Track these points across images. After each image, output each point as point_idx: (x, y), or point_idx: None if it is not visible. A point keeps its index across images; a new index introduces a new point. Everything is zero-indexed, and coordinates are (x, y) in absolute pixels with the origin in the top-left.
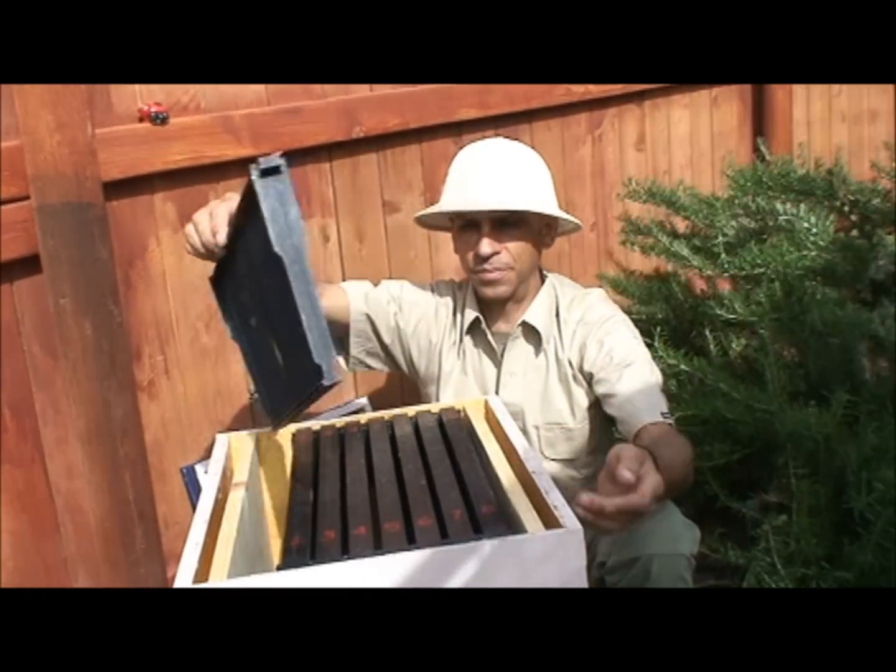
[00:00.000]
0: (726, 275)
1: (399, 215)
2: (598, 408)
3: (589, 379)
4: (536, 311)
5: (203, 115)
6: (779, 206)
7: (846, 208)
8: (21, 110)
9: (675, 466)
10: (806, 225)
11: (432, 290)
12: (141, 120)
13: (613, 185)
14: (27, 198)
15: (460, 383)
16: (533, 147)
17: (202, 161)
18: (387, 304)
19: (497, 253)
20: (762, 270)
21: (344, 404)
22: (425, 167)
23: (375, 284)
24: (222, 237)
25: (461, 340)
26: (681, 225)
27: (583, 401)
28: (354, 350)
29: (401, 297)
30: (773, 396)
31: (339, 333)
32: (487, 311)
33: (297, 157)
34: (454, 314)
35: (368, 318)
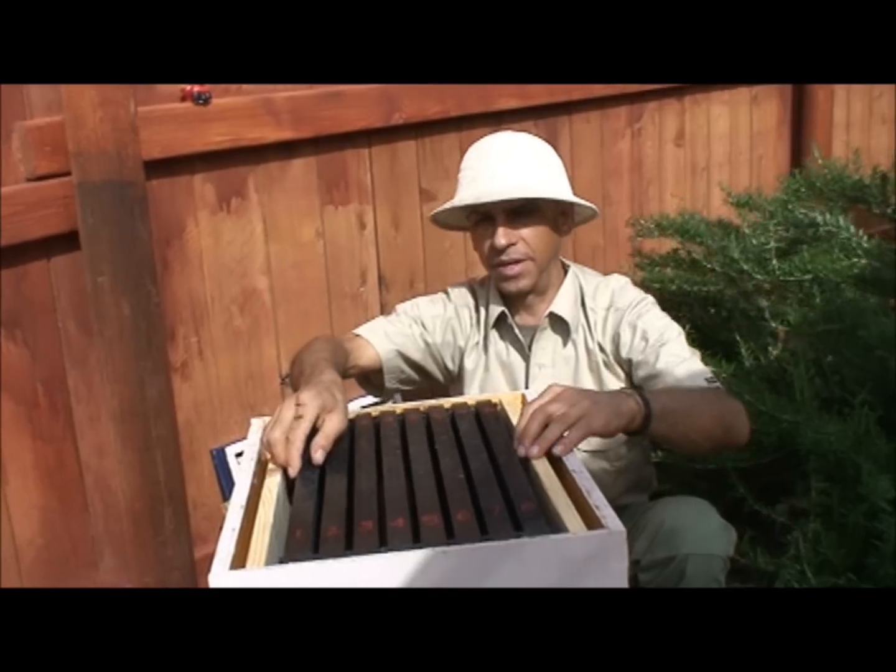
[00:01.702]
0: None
1: (436, 204)
2: None
3: (628, 366)
4: (562, 302)
5: (245, 96)
6: (819, 216)
7: None
8: (64, 86)
9: (667, 401)
10: (845, 235)
11: (448, 297)
12: (183, 100)
13: (651, 181)
14: (68, 174)
15: (484, 381)
16: (571, 139)
17: (242, 143)
18: (409, 329)
19: (513, 244)
20: (810, 277)
21: None
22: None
23: (387, 314)
24: (294, 471)
25: (486, 337)
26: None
27: (611, 389)
28: (389, 384)
29: (420, 315)
30: (800, 406)
31: (374, 378)
32: (511, 306)
33: (336, 141)
34: (476, 312)
35: (398, 353)
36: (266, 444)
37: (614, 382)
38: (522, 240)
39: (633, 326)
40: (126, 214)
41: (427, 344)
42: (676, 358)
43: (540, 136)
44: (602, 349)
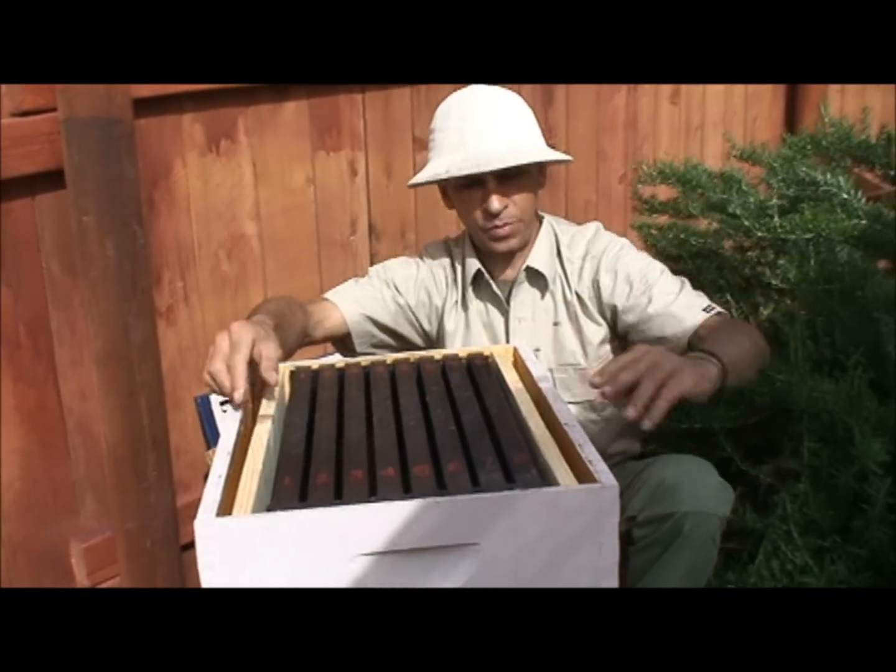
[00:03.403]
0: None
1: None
2: (611, 344)
3: (612, 312)
4: (538, 255)
5: None
6: (819, 175)
7: None
8: None
9: (731, 352)
10: (845, 196)
11: (422, 258)
12: None
13: (646, 138)
14: (54, 109)
15: (466, 339)
16: (567, 93)
17: (233, 83)
18: (380, 293)
19: (506, 207)
20: (811, 235)
21: None
22: None
23: (357, 279)
24: (240, 395)
25: (464, 296)
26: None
27: (594, 338)
28: (360, 349)
29: (392, 278)
30: (794, 367)
31: (348, 341)
32: (489, 261)
33: (329, 85)
34: (453, 271)
35: (367, 317)
36: (209, 376)
37: (593, 332)
38: (513, 203)
39: (614, 271)
40: (113, 152)
41: (399, 306)
42: (670, 296)
43: (536, 89)
44: (580, 298)
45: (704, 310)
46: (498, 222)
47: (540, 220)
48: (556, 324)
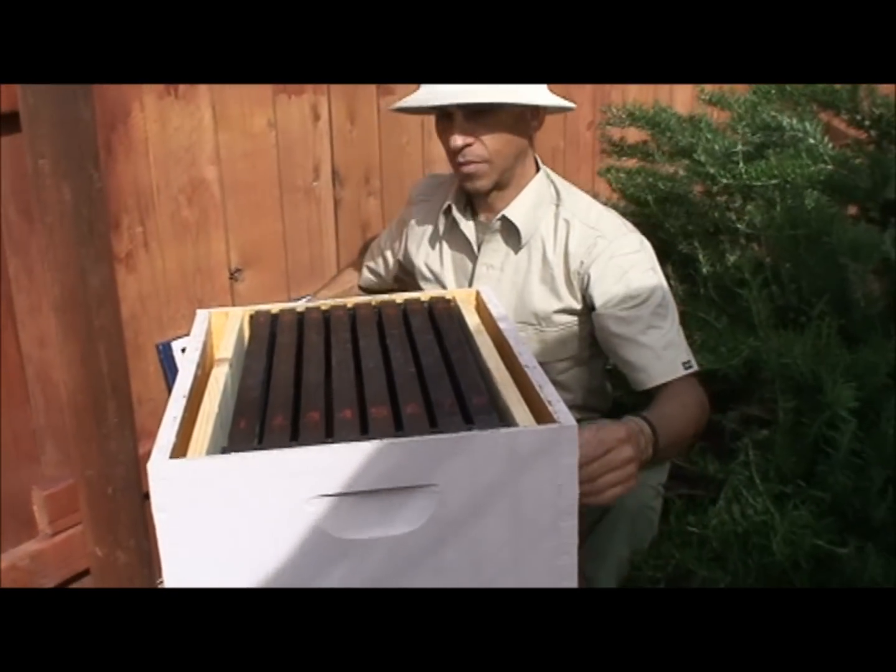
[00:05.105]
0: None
1: (393, 98)
2: (579, 316)
3: (590, 301)
4: (519, 206)
5: None
6: (785, 120)
7: (867, 122)
8: None
9: (672, 437)
10: (812, 141)
11: (410, 200)
12: None
13: (614, 84)
14: None
15: (436, 274)
16: None
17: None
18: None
19: (469, 145)
20: (776, 182)
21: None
22: None
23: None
24: None
25: (440, 231)
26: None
27: (563, 305)
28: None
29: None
30: (759, 327)
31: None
32: (474, 200)
33: None
34: (436, 204)
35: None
36: None
37: (563, 300)
38: (480, 141)
39: (621, 272)
40: (69, 95)
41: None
42: (661, 340)
43: None
44: (567, 262)
45: (683, 364)
46: (461, 159)
47: (536, 171)
48: (524, 281)
